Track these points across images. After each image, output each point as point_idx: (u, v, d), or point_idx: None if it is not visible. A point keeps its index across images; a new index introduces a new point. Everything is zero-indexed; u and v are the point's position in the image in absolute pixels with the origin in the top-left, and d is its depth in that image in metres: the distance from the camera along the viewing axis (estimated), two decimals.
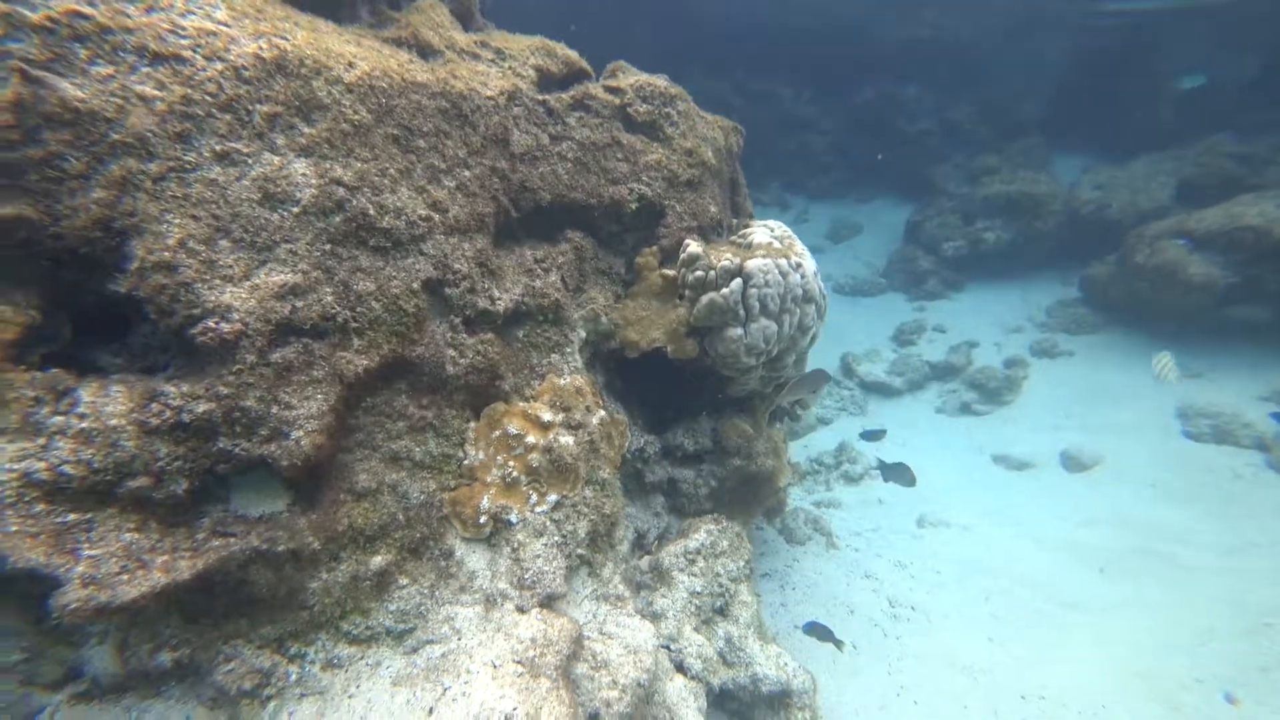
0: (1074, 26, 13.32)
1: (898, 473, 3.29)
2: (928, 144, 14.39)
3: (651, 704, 2.84)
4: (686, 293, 3.73)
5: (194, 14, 2.16)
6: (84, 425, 1.95)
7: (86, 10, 1.96)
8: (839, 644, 3.25)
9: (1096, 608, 4.53)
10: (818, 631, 3.28)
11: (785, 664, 3.19)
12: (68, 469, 1.92)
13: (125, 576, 1.96)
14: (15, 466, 1.87)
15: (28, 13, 1.88)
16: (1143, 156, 10.79)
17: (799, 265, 3.78)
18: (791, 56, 15.97)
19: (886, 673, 3.87)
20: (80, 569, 1.90)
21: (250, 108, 2.17)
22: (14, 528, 1.85)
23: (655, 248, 3.92)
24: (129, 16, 2.03)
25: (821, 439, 7.84)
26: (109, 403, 2.00)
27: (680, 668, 3.08)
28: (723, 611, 3.37)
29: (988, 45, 14.51)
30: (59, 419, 1.95)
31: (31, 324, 2.01)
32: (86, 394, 2.00)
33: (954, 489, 6.43)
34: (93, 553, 1.94)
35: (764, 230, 4.14)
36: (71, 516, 1.95)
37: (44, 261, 1.99)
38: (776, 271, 3.63)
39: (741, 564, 3.48)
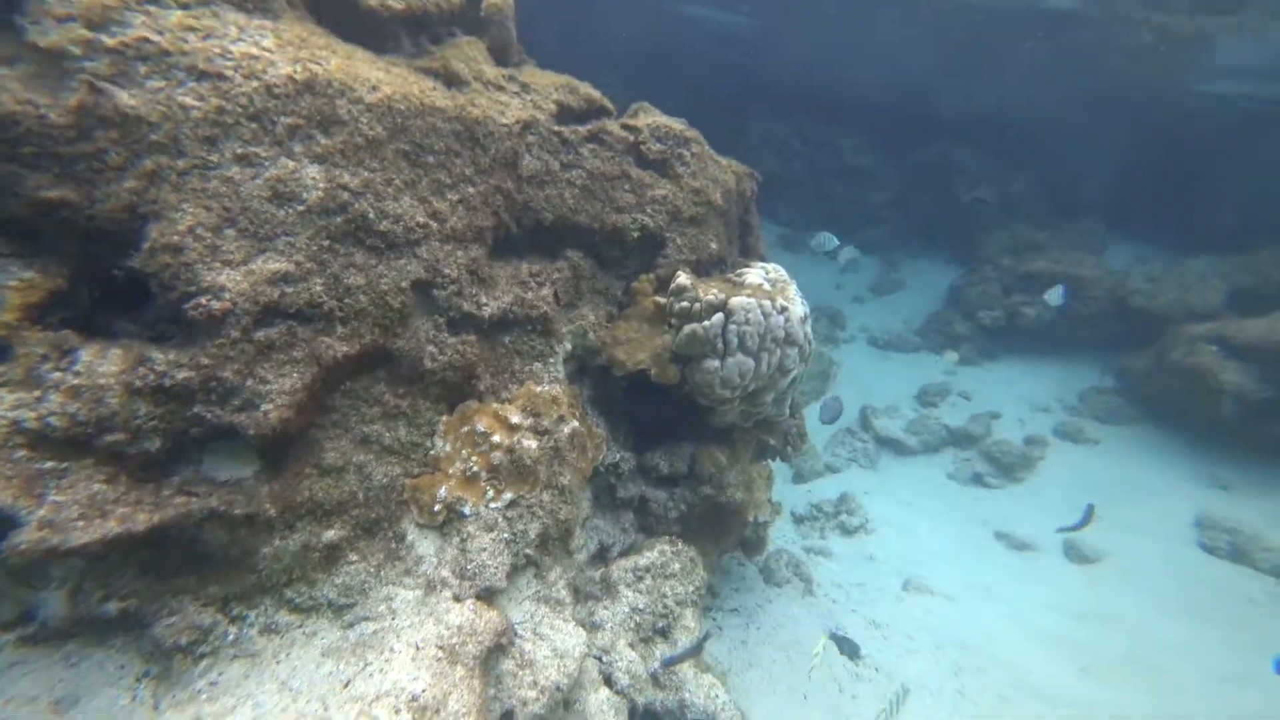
0: (1148, 110, 12.81)
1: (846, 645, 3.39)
2: (983, 211, 14.16)
3: (570, 711, 2.93)
4: (673, 321, 3.90)
5: (243, 41, 2.51)
6: (76, 381, 2.18)
7: (153, 37, 2.30)
8: (855, 655, 3.27)
9: (1069, 706, 4.32)
10: (842, 645, 3.32)
11: (716, 695, 3.22)
12: (53, 420, 2.13)
13: (81, 523, 2.13)
14: (8, 414, 2.08)
15: (106, 38, 2.22)
16: (1203, 256, 10.43)
17: (784, 309, 3.89)
18: (855, 109, 16.09)
19: None
20: (41, 513, 2.08)
21: (275, 119, 2.49)
22: None
23: (652, 275, 4.11)
24: (187, 42, 2.36)
25: (826, 486, 7.75)
26: (104, 363, 2.24)
27: (608, 680, 3.15)
28: (664, 633, 3.43)
29: (1047, 124, 14.24)
30: (57, 374, 2.17)
31: (56, 290, 2.28)
32: (86, 354, 2.23)
33: (947, 558, 6.25)
34: (58, 499, 2.13)
35: (759, 272, 4.27)
36: (48, 464, 2.14)
37: (76, 237, 2.31)
38: (759, 311, 3.75)
39: (691, 589, 3.55)
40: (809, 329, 4.21)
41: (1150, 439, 8.19)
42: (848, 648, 3.24)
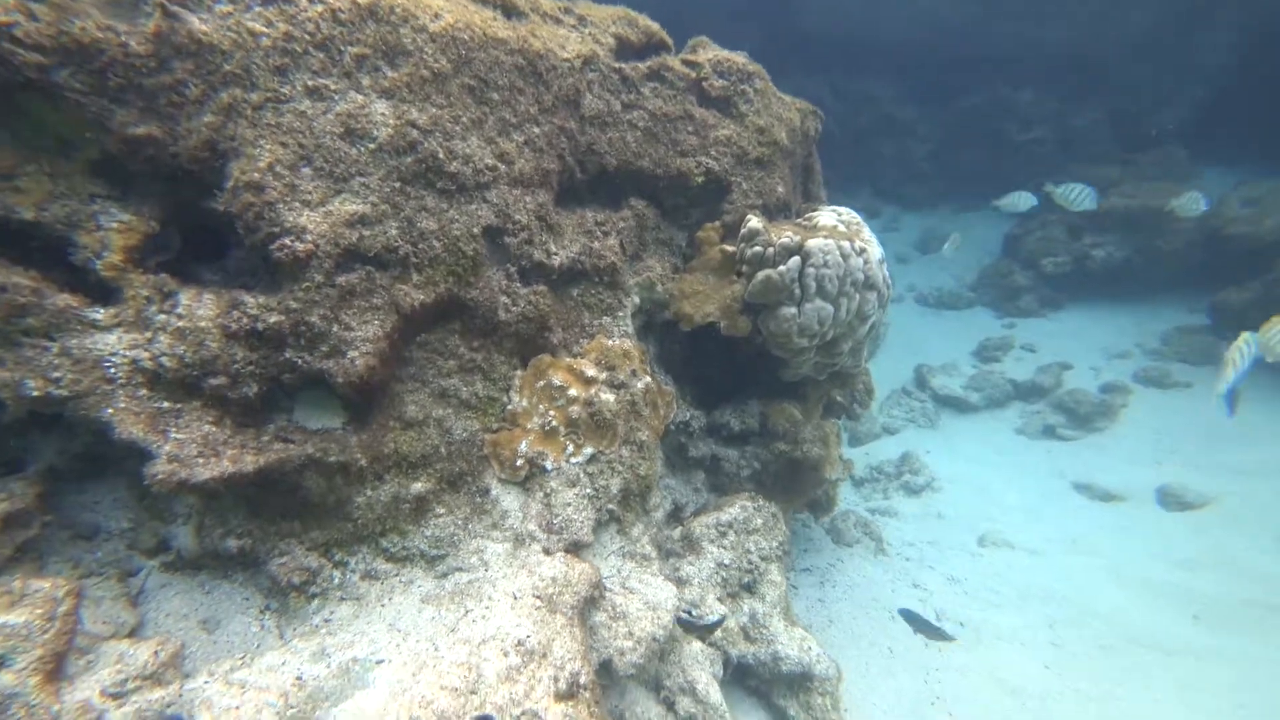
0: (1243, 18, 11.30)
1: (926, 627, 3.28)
2: (1039, 153, 13.41)
3: (666, 662, 2.85)
4: (744, 268, 3.70)
5: None
6: (180, 324, 2.21)
7: None
8: (941, 635, 3.12)
9: (1183, 653, 4.04)
10: (914, 621, 3.18)
11: (809, 648, 3.10)
12: (165, 361, 2.18)
13: (201, 460, 2.19)
14: (128, 354, 2.14)
15: None
16: None
17: (863, 250, 3.66)
18: (893, 58, 15.34)
19: (923, 680, 3.67)
20: (168, 448, 2.15)
21: (342, 49, 2.37)
22: (122, 404, 2.12)
23: (718, 223, 3.91)
24: None
25: (885, 447, 7.52)
26: (201, 307, 2.25)
27: None
28: (750, 588, 3.32)
29: (1122, 51, 13.13)
30: (163, 317, 2.21)
31: (151, 233, 2.28)
32: (185, 298, 2.26)
33: (1025, 511, 5.98)
34: (179, 436, 2.19)
35: (830, 214, 4.03)
36: (165, 404, 2.20)
37: (163, 179, 2.26)
38: (837, 253, 3.53)
39: (774, 544, 3.42)
40: (887, 272, 3.97)
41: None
42: (922, 625, 3.13)
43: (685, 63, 3.88)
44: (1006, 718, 3.45)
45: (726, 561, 3.33)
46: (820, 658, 3.10)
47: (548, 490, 2.98)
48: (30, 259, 1.98)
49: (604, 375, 3.22)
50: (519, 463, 2.98)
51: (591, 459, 3.09)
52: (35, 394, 1.91)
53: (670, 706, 2.77)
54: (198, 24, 2.07)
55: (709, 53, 4.01)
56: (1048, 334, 9.57)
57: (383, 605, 2.53)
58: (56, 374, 1.95)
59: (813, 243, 3.55)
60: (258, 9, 2.18)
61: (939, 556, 5.30)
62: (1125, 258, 9.87)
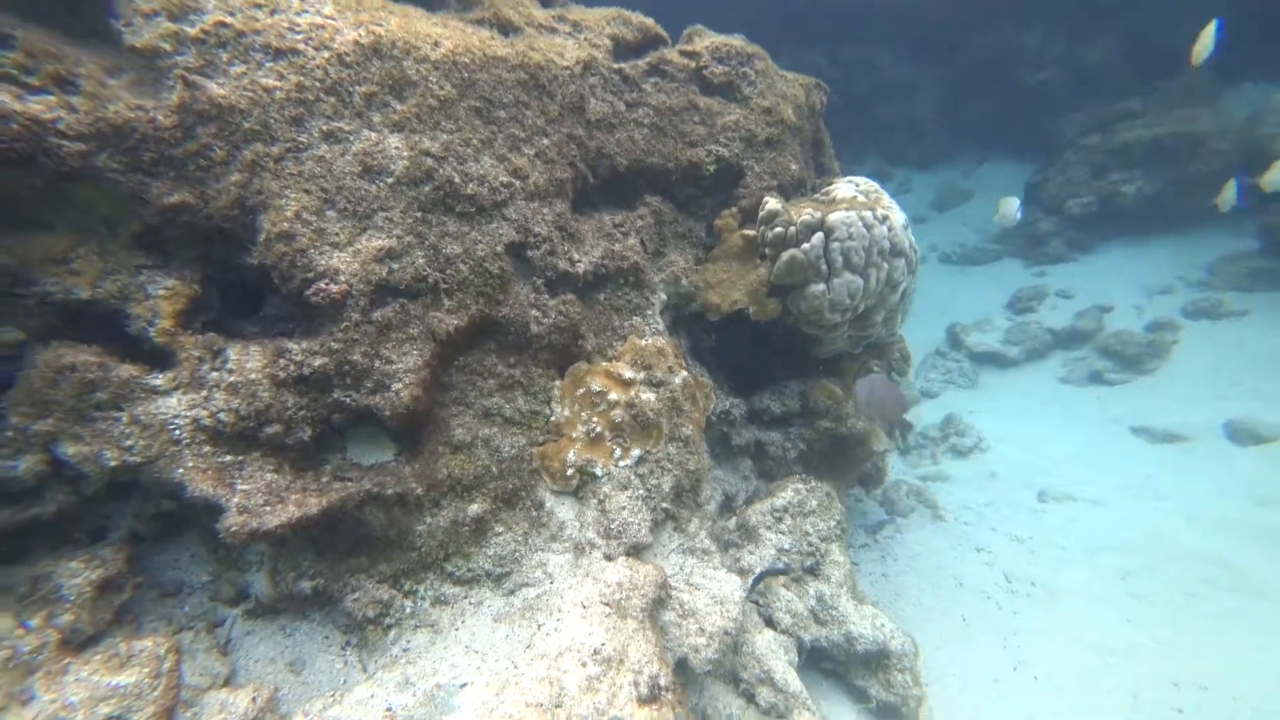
0: None
1: None
2: (1051, 94, 12.98)
3: (740, 654, 2.85)
4: (766, 251, 3.66)
5: (307, 11, 2.42)
6: (232, 379, 2.26)
7: (228, 20, 2.25)
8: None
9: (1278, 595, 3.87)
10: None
11: (882, 624, 3.07)
12: (223, 416, 2.23)
13: (268, 509, 2.24)
14: (188, 414, 2.20)
15: (188, 29, 2.20)
16: None
17: (885, 218, 3.59)
18: (888, 18, 15.01)
19: (1001, 646, 3.60)
20: (236, 500, 2.21)
21: (351, 89, 2.40)
22: (190, 463, 2.19)
23: (735, 209, 3.87)
24: (258, 20, 2.30)
25: (926, 412, 7.39)
26: (249, 359, 2.31)
27: (769, 622, 3.05)
28: (813, 571, 3.29)
29: None
30: (215, 374, 2.27)
31: (195, 296, 2.35)
32: (233, 353, 2.32)
33: (1082, 462, 5.81)
34: (244, 487, 2.24)
35: (848, 185, 3.96)
36: (228, 457, 2.26)
37: (198, 241, 2.33)
38: (860, 224, 3.47)
39: (832, 524, 3.38)
40: (912, 236, 3.89)
41: None
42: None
43: (683, 54, 3.84)
44: (1092, 677, 3.36)
45: (786, 546, 3.31)
46: (895, 634, 3.06)
47: (601, 496, 2.99)
48: (89, 334, 2.06)
49: (641, 375, 3.22)
50: (569, 472, 3.00)
51: (640, 460, 3.09)
52: (113, 463, 1.99)
53: (751, 699, 2.76)
54: (216, 89, 2.12)
55: (706, 40, 3.97)
56: (1082, 278, 9.28)
57: (456, 629, 2.57)
58: (129, 442, 2.03)
59: (834, 216, 3.49)
60: (269, 65, 2.23)
61: (998, 517, 5.19)
62: (1157, 190, 9.50)
